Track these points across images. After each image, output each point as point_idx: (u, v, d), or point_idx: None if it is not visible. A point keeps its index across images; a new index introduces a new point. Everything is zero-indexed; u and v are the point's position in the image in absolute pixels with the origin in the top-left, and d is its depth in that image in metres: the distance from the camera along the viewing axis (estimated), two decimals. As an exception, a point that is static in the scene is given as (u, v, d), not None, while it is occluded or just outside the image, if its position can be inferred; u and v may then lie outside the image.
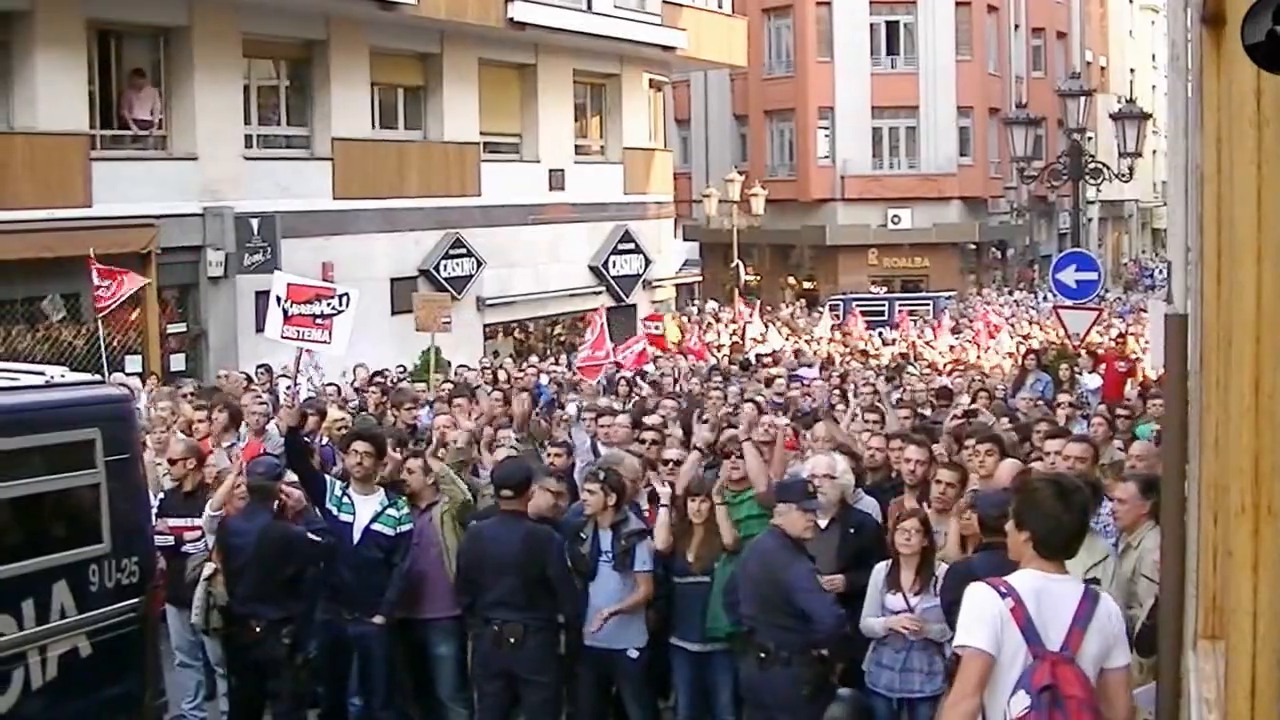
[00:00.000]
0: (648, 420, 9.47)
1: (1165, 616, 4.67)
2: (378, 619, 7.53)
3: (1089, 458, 7.46)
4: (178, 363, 18.22)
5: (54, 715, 6.05)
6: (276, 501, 7.59)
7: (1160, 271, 37.26)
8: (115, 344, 16.53)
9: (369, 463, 7.78)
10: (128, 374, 14.65)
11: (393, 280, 21.42)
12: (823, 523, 6.81)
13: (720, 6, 30.75)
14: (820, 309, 31.99)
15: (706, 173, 41.45)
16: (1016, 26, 45.35)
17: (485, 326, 23.99)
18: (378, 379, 15.77)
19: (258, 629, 7.28)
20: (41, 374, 6.76)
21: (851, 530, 7.20)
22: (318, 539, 7.42)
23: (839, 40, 40.43)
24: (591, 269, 26.43)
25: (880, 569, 6.69)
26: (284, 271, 14.51)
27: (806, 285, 41.14)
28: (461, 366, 17.58)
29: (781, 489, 6.71)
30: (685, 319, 28.07)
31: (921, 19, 40.63)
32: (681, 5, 27.89)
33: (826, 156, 40.76)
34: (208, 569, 7.69)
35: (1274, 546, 2.86)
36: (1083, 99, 19.24)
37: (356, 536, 7.61)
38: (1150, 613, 5.46)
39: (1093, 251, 25.48)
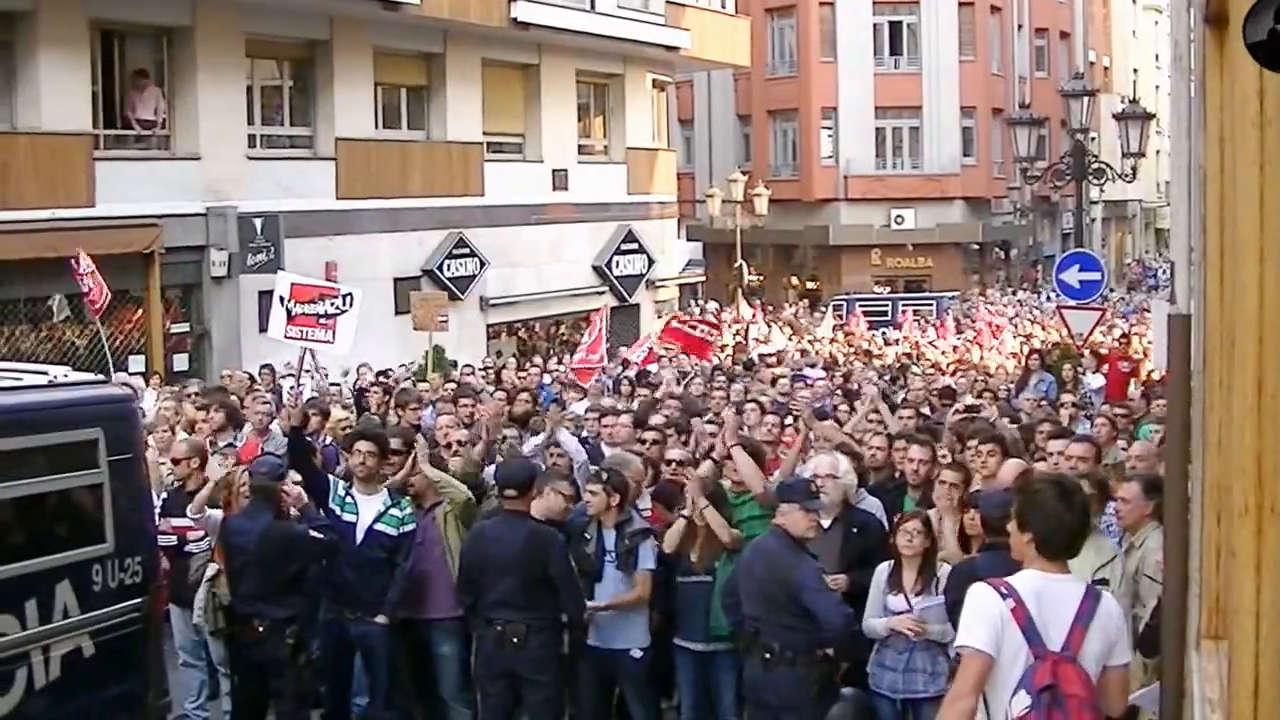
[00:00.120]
0: (652, 420, 9.48)
1: (1168, 616, 4.67)
2: (381, 619, 7.52)
3: (1091, 458, 7.46)
4: (181, 363, 18.25)
5: (57, 715, 6.05)
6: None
7: (1163, 272, 37.13)
8: (118, 344, 16.56)
9: (372, 462, 7.76)
10: (131, 374, 14.65)
11: (396, 280, 21.42)
12: (825, 523, 6.81)
13: (724, 6, 30.70)
14: (823, 309, 31.97)
15: (710, 173, 41.42)
16: (1020, 27, 45.33)
17: (488, 326, 23.99)
18: (380, 379, 15.76)
19: (261, 628, 7.28)
20: (45, 374, 6.77)
21: (854, 530, 7.19)
22: (319, 536, 7.42)
23: (842, 40, 40.42)
24: (595, 269, 26.44)
25: (882, 570, 6.69)
26: (287, 271, 14.55)
27: (810, 285, 41.13)
28: (466, 366, 17.58)
29: (784, 489, 6.69)
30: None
31: (925, 19, 40.63)
32: (685, 5, 27.86)
33: (830, 156, 40.77)
34: (211, 569, 7.71)
35: (1277, 547, 2.86)
36: (1086, 99, 19.26)
37: (360, 536, 7.60)
38: (1153, 613, 5.47)
39: (1096, 252, 25.53)
